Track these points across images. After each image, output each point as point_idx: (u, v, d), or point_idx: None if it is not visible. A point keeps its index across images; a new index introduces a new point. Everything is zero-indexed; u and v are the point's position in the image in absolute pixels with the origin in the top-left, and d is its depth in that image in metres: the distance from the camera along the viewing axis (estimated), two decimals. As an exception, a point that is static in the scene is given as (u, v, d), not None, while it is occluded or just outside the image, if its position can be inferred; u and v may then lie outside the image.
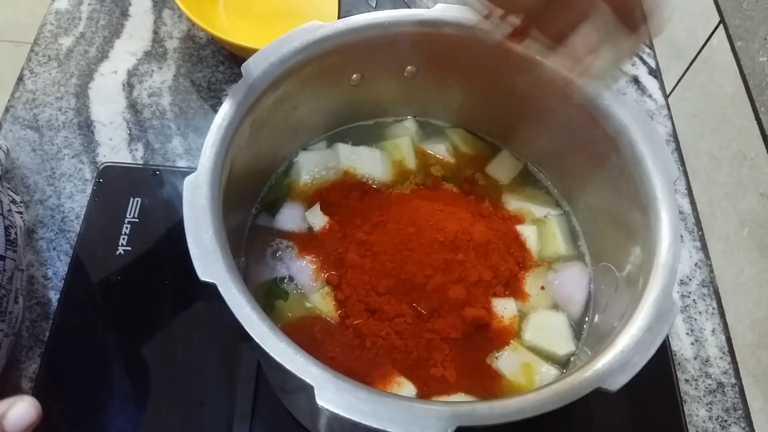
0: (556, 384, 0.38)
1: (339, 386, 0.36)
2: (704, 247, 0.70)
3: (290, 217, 0.54)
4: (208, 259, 0.39)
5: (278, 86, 0.48)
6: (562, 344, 0.50)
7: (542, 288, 0.53)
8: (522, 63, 0.52)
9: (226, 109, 0.45)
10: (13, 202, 0.59)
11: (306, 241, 0.53)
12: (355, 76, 0.55)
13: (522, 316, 0.51)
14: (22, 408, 0.32)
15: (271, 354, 0.36)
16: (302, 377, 0.36)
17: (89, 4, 0.82)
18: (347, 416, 0.35)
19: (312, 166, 0.57)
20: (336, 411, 0.35)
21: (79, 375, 0.57)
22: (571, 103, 0.51)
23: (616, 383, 0.37)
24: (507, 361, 0.49)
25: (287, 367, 0.36)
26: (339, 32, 0.50)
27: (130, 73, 0.76)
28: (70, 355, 0.57)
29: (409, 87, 0.58)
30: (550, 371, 0.49)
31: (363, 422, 0.35)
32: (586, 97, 0.49)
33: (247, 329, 0.37)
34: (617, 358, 0.38)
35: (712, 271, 0.69)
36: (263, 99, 0.47)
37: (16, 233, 0.56)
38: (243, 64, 0.47)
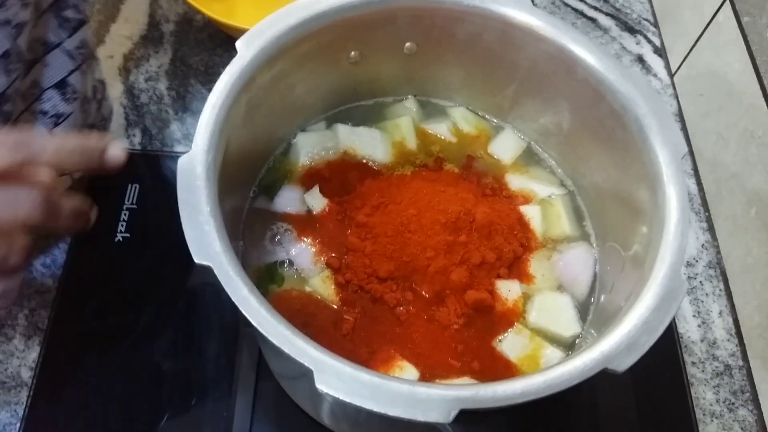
0: (561, 365, 0.37)
1: (339, 370, 0.35)
2: (711, 228, 0.69)
3: (289, 200, 0.53)
4: (204, 241, 0.38)
5: (274, 64, 0.47)
6: (568, 326, 0.49)
7: (548, 261, 0.52)
8: (524, 38, 0.51)
9: (220, 87, 0.44)
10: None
11: (305, 224, 0.52)
12: (353, 53, 0.54)
13: (526, 297, 0.50)
14: (119, 145, 0.41)
15: (269, 337, 0.36)
16: (301, 361, 0.35)
17: (83, -12, 0.81)
18: (347, 400, 0.34)
19: (311, 147, 0.56)
20: (336, 395, 0.34)
21: (79, 363, 0.56)
22: (576, 78, 0.49)
23: (623, 364, 0.36)
24: (511, 344, 0.48)
25: (285, 350, 0.35)
26: (336, 8, 0.49)
27: (127, 58, 0.75)
28: (70, 344, 0.57)
29: (408, 64, 0.57)
30: (555, 353, 0.48)
31: (363, 406, 0.34)
32: (591, 71, 0.48)
33: (245, 312, 0.36)
34: (624, 339, 0.37)
35: (719, 252, 0.68)
36: (259, 77, 0.46)
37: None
38: (237, 41, 0.46)
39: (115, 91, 0.72)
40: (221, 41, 0.77)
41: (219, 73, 0.73)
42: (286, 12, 0.47)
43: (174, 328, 0.58)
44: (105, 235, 0.62)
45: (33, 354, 0.56)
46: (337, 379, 0.35)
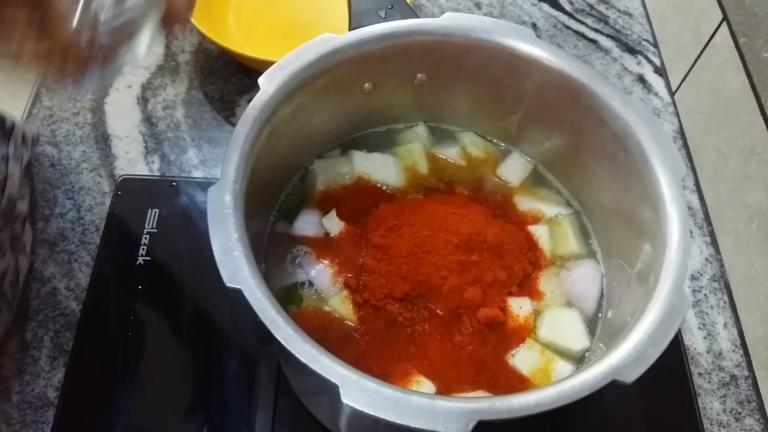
0: (572, 378, 0.39)
1: (363, 385, 0.37)
2: (714, 242, 0.71)
3: (307, 224, 0.55)
4: (233, 266, 0.40)
5: (294, 98, 0.50)
6: (577, 340, 0.51)
7: (557, 278, 0.54)
8: (529, 67, 0.53)
9: (245, 121, 0.47)
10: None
11: (323, 247, 0.54)
12: (367, 85, 0.56)
13: (537, 314, 0.52)
14: None
15: (296, 355, 0.38)
16: (328, 377, 0.37)
17: (102, 21, 0.83)
18: (372, 413, 0.36)
19: (327, 173, 0.58)
20: (361, 408, 0.36)
21: (103, 383, 0.58)
22: (579, 105, 0.52)
23: (631, 375, 0.38)
24: (523, 358, 0.50)
25: (313, 367, 0.37)
26: (351, 44, 0.51)
27: (144, 87, 0.78)
28: (94, 364, 0.59)
29: (419, 94, 0.59)
30: (565, 367, 0.50)
31: (387, 419, 0.36)
32: (594, 98, 0.51)
33: (273, 332, 0.38)
34: (632, 352, 0.39)
35: (722, 265, 0.69)
36: (280, 110, 0.49)
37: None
38: (259, 78, 0.49)
39: (134, 120, 0.75)
40: (235, 70, 0.79)
41: (234, 101, 0.77)
42: (304, 49, 0.50)
43: (195, 348, 0.60)
44: (127, 258, 0.64)
45: (59, 374, 0.58)
46: (361, 393, 0.37)
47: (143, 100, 0.77)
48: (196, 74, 0.79)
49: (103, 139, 0.73)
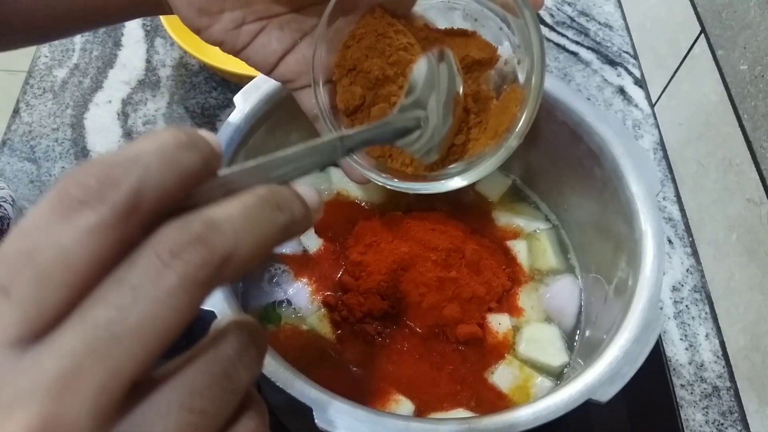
0: (548, 397, 0.39)
1: (337, 408, 0.37)
2: (695, 253, 0.71)
3: (285, 241, 0.55)
4: (206, 288, 0.40)
5: (270, 115, 0.50)
6: (556, 356, 0.51)
7: (536, 293, 0.54)
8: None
9: (220, 139, 0.46)
10: None
11: (302, 264, 0.54)
12: (344, 101, 0.56)
13: (516, 330, 0.52)
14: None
15: (270, 378, 0.37)
16: (301, 400, 0.37)
17: (82, 36, 0.83)
18: (346, 436, 0.36)
19: (305, 189, 0.58)
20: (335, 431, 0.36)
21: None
22: (555, 120, 0.52)
23: (606, 394, 0.38)
24: (502, 375, 0.49)
25: (287, 390, 0.37)
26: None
27: (125, 102, 0.77)
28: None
29: (397, 109, 0.59)
30: (544, 383, 0.50)
31: (361, 442, 0.36)
32: (569, 114, 0.51)
33: (246, 355, 0.38)
34: (606, 370, 0.39)
35: (703, 276, 0.70)
36: (256, 128, 0.49)
37: None
38: (235, 96, 0.48)
39: (114, 135, 0.75)
40: (216, 84, 0.79)
41: (215, 115, 0.77)
42: (280, 66, 0.50)
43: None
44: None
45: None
46: (336, 416, 0.37)
47: (123, 115, 0.76)
48: (177, 89, 0.79)
49: (83, 155, 0.73)
